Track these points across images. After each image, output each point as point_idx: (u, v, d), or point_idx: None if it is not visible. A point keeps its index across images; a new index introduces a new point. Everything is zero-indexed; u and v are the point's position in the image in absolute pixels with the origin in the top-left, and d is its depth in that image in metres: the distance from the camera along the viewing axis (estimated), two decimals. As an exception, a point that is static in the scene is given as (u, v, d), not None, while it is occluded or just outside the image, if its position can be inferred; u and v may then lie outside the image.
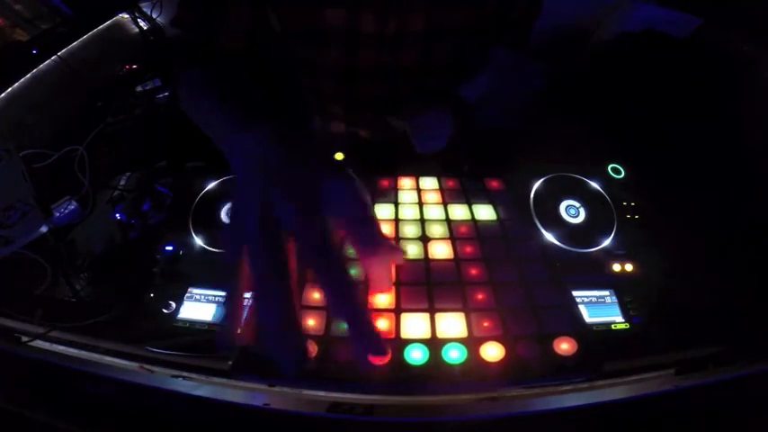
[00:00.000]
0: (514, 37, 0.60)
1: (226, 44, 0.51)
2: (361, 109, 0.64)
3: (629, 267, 0.51)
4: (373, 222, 0.28)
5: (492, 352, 0.36)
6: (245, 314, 0.27)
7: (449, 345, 0.37)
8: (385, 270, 0.30)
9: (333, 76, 0.59)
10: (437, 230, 0.48)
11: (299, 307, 0.26)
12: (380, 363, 0.27)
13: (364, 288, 0.37)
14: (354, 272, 0.43)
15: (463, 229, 0.48)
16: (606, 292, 0.49)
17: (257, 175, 0.26)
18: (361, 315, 0.24)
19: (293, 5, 0.51)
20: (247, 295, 0.26)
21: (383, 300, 0.40)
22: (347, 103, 0.64)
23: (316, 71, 0.60)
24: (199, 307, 0.48)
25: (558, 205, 0.55)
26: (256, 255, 0.25)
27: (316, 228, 0.25)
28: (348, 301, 0.24)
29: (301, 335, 0.25)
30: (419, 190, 0.55)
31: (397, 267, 0.44)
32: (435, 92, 0.60)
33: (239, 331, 0.26)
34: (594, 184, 0.57)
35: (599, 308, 0.48)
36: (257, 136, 0.28)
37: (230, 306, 0.26)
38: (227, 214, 0.55)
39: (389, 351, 0.26)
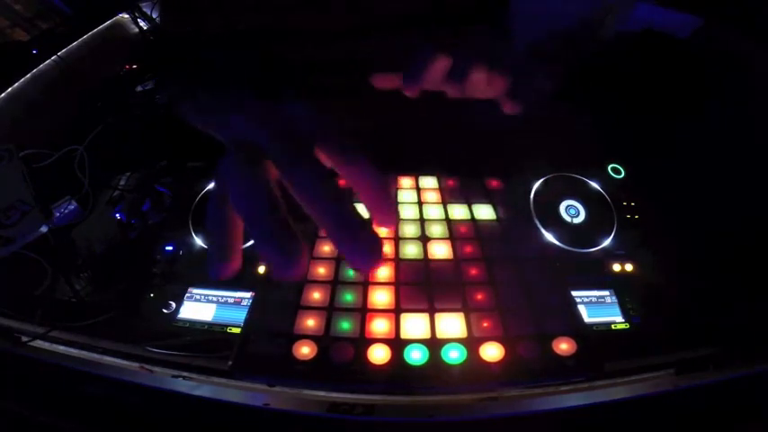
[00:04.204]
0: (489, 23, 0.59)
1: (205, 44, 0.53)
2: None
3: (629, 267, 0.51)
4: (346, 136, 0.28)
5: (492, 352, 0.36)
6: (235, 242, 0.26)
7: (448, 345, 0.37)
8: (380, 187, 0.28)
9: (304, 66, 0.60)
10: (437, 230, 0.48)
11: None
12: (374, 267, 0.26)
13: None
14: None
15: (463, 229, 0.48)
16: (606, 292, 0.49)
17: (242, 151, 0.27)
18: (348, 215, 0.24)
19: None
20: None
21: (383, 299, 0.40)
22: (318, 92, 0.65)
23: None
24: (199, 307, 0.48)
25: (558, 205, 0.55)
26: (245, 195, 0.25)
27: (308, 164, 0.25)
28: (336, 206, 0.24)
29: (294, 234, 0.24)
30: (419, 189, 0.54)
31: (397, 267, 0.44)
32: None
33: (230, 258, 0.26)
34: (594, 184, 0.57)
35: (599, 308, 0.48)
36: (232, 115, 0.30)
37: (219, 231, 0.26)
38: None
39: (382, 253, 0.25)
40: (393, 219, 0.29)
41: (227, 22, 0.53)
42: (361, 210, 0.27)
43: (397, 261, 0.44)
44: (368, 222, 0.25)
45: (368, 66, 0.55)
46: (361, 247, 0.24)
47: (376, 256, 0.24)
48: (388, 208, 0.28)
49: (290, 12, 0.52)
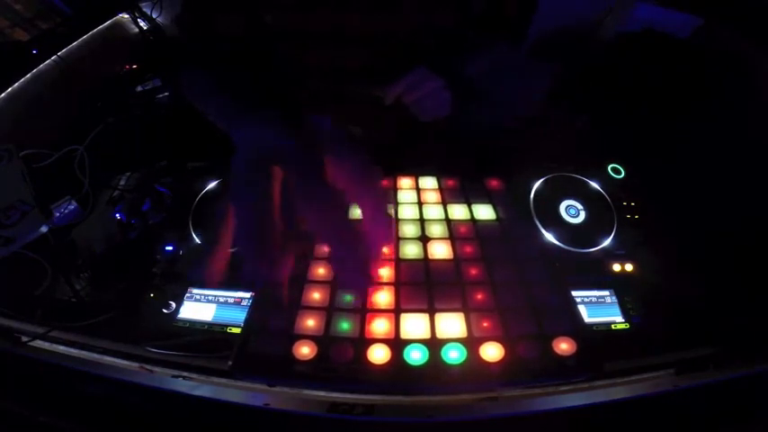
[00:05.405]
0: (511, 34, 0.60)
1: (222, 46, 0.54)
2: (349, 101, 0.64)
3: (628, 267, 0.51)
4: (359, 152, 0.29)
5: (491, 352, 0.36)
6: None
7: (448, 345, 0.37)
8: (379, 204, 0.30)
9: (320, 72, 0.60)
10: (437, 230, 0.48)
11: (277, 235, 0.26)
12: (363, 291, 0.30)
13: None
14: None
15: (463, 229, 0.48)
16: (606, 292, 0.49)
17: (261, 158, 0.27)
18: (349, 246, 0.26)
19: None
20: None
21: (383, 299, 0.40)
22: (336, 99, 0.64)
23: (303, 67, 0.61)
24: (199, 307, 0.48)
25: (558, 205, 0.55)
26: (245, 194, 0.26)
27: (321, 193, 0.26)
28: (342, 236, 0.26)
29: (275, 250, 0.25)
30: (419, 189, 0.54)
31: (398, 267, 0.44)
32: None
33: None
34: (594, 184, 0.57)
35: (599, 308, 0.48)
36: (261, 127, 0.30)
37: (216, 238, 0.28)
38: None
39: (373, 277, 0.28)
40: (390, 238, 0.31)
41: (248, 24, 0.54)
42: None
43: (398, 261, 0.44)
44: (366, 253, 0.27)
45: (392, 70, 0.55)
46: (352, 273, 0.26)
47: (364, 283, 0.27)
48: (385, 229, 0.31)
49: (312, 12, 0.53)
